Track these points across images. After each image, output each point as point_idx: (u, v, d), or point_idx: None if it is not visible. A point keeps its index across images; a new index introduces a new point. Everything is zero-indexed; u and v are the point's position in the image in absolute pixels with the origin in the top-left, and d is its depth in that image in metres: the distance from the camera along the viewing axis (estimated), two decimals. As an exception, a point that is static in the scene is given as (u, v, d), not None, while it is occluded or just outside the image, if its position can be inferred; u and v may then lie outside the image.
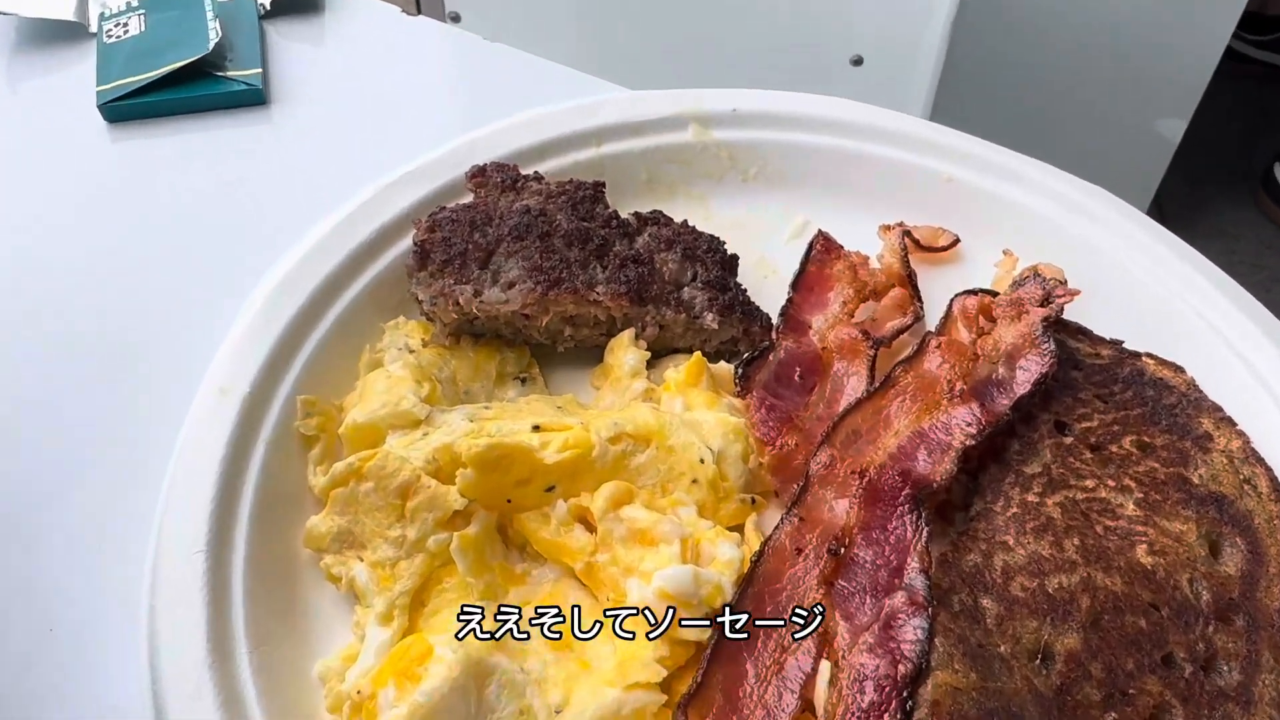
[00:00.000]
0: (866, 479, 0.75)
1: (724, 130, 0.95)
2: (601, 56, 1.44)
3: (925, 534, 0.71)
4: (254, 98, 1.05)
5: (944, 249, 0.92)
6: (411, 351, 0.84)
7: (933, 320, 0.86)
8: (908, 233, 0.90)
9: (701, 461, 0.75)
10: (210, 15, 1.07)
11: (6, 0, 1.09)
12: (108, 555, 0.77)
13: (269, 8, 1.12)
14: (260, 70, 1.06)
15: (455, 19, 2.01)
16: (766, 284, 0.90)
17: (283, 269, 0.85)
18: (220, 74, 1.05)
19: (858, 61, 1.72)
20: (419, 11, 2.07)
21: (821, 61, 1.65)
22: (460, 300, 0.82)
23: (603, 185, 0.90)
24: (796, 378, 0.84)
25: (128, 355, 0.88)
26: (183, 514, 0.73)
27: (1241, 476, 0.78)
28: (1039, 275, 0.85)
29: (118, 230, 0.96)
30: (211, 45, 1.04)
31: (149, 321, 0.90)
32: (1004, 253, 0.90)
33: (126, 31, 1.09)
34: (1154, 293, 0.88)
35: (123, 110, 1.03)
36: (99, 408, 0.84)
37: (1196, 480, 0.77)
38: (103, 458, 0.82)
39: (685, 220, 0.90)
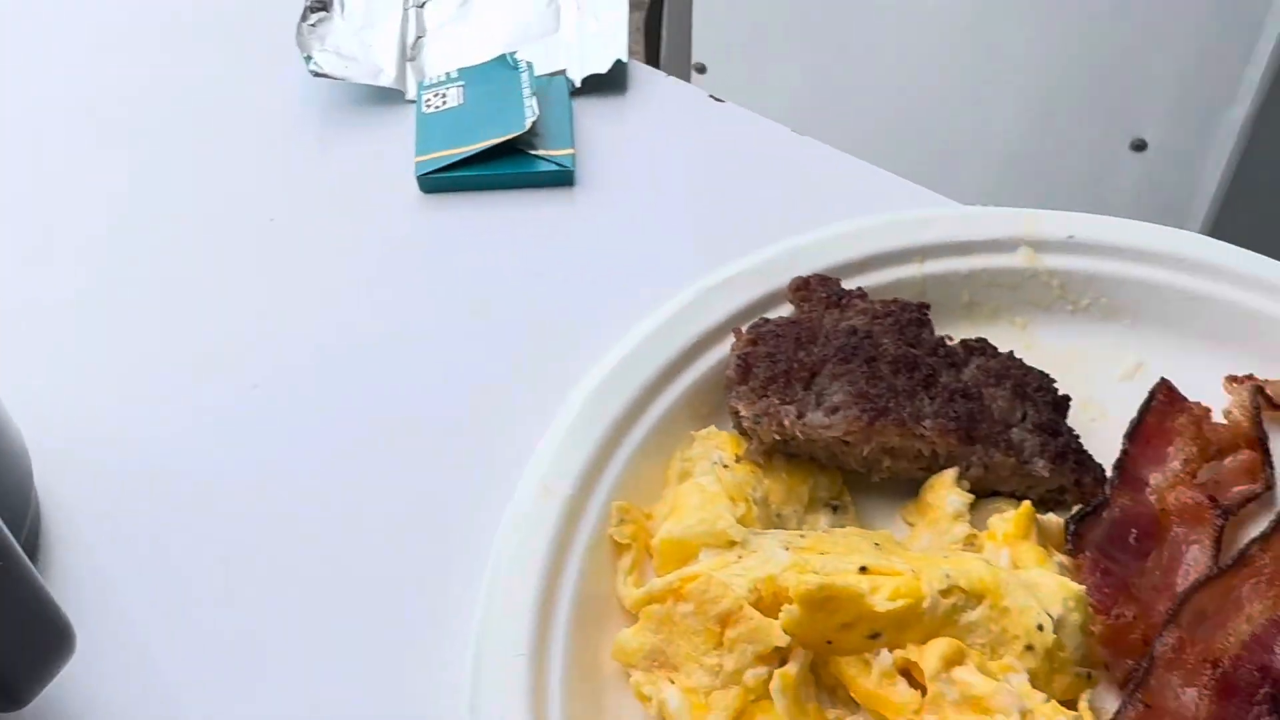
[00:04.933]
0: (1220, 670, 0.70)
1: (1056, 257, 0.91)
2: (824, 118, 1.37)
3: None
4: (564, 179, 1.06)
5: (1301, 410, 0.85)
6: (725, 466, 0.83)
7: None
8: (1260, 388, 0.83)
9: (1040, 629, 0.72)
10: (528, 92, 1.10)
11: (336, 66, 1.14)
12: (427, 646, 0.79)
13: (578, 85, 1.14)
14: (572, 151, 1.07)
15: (700, 69, 2.02)
16: (1094, 427, 0.85)
17: (603, 368, 0.86)
18: (533, 152, 1.07)
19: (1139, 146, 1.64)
20: (658, 62, 2.08)
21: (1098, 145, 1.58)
22: (784, 421, 0.81)
23: (928, 308, 0.87)
24: (1132, 540, 0.79)
25: (431, 436, 0.90)
26: (505, 614, 0.75)
27: None
28: None
29: (424, 304, 0.99)
30: (528, 124, 1.06)
31: (450, 401, 0.92)
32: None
33: (445, 103, 1.12)
34: None
35: (438, 183, 1.06)
36: (410, 492, 0.87)
37: None
38: (415, 545, 0.84)
39: (1011, 351, 0.86)
